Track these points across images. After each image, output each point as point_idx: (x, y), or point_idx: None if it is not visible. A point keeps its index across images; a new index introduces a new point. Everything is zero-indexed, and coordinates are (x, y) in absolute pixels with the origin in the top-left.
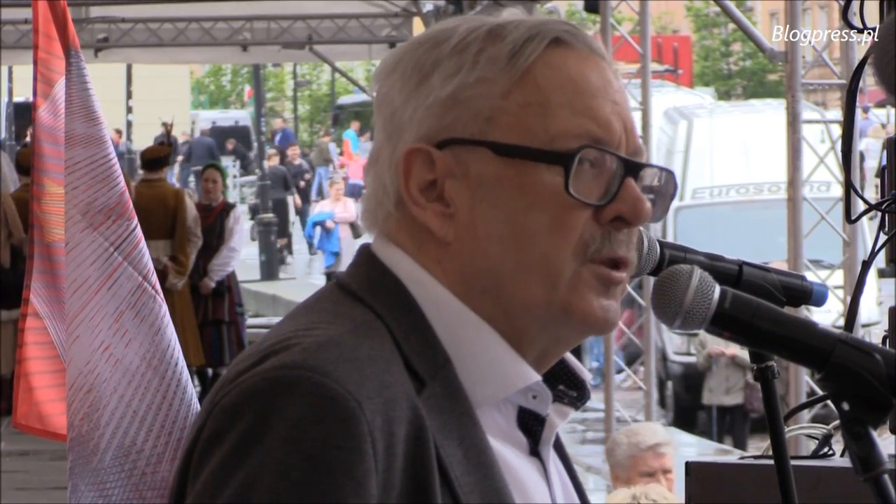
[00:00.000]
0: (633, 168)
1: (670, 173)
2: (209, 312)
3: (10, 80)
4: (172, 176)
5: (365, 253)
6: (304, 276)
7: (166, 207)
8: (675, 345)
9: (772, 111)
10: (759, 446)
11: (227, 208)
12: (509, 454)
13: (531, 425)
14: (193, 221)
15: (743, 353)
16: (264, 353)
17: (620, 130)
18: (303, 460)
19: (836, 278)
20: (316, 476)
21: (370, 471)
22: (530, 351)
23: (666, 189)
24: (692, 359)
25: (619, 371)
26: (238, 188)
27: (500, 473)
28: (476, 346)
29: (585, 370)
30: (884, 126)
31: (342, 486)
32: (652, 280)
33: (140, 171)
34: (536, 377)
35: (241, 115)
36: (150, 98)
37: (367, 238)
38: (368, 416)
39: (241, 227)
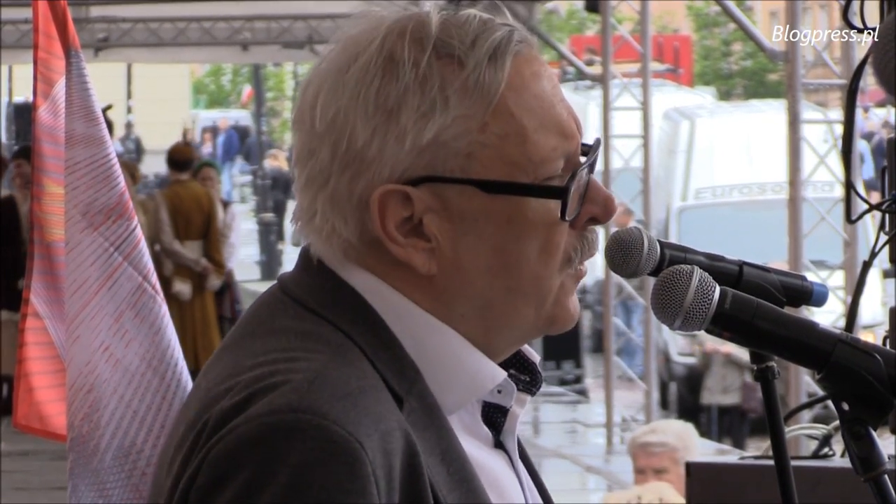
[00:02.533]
0: (592, 165)
1: (597, 140)
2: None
3: (10, 79)
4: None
5: (313, 263)
6: None
7: (201, 208)
8: (679, 346)
9: (774, 111)
10: (759, 446)
11: (224, 206)
12: (478, 452)
13: (494, 417)
14: (222, 222)
15: (739, 352)
16: (250, 392)
17: (575, 129)
18: None
19: (838, 278)
20: None
21: None
22: (497, 354)
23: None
24: (695, 360)
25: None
26: (238, 188)
27: (482, 486)
28: (442, 352)
29: (534, 352)
30: None
31: None
32: (652, 280)
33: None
34: (503, 374)
35: (241, 115)
36: (150, 98)
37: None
38: (370, 455)
39: (238, 224)
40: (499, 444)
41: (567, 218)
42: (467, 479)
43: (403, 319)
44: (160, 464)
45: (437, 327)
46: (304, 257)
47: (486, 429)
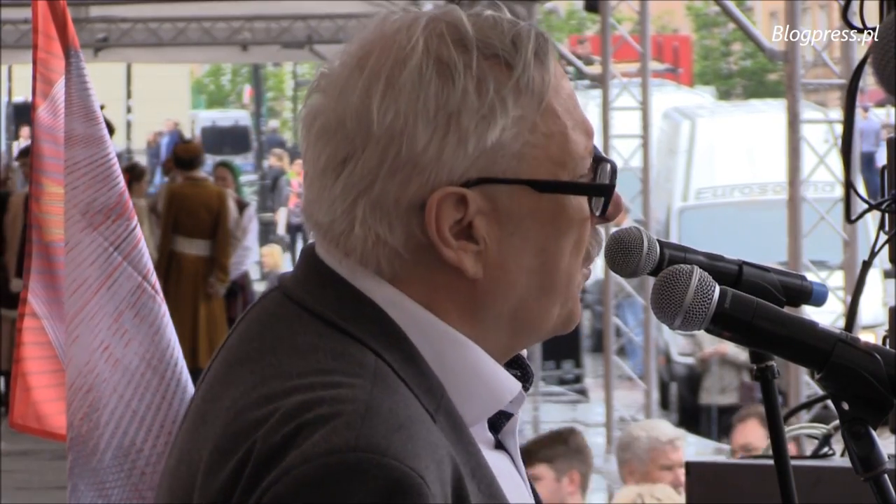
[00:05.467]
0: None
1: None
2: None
3: (10, 79)
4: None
5: (323, 270)
6: None
7: (210, 207)
8: (680, 346)
9: (774, 111)
10: None
11: (240, 207)
12: (489, 457)
13: (496, 419)
14: (234, 223)
15: (734, 352)
16: (298, 423)
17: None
18: None
19: (838, 278)
20: None
21: None
22: (506, 357)
23: None
24: (694, 360)
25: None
26: (240, 187)
27: (506, 497)
28: (463, 366)
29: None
30: None
31: None
32: (652, 280)
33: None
34: (518, 386)
35: (240, 115)
36: (150, 98)
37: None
38: (432, 488)
39: (255, 225)
40: (498, 445)
41: (597, 213)
42: (496, 495)
43: (426, 333)
44: (170, 475)
45: (459, 340)
46: (310, 262)
47: (489, 433)
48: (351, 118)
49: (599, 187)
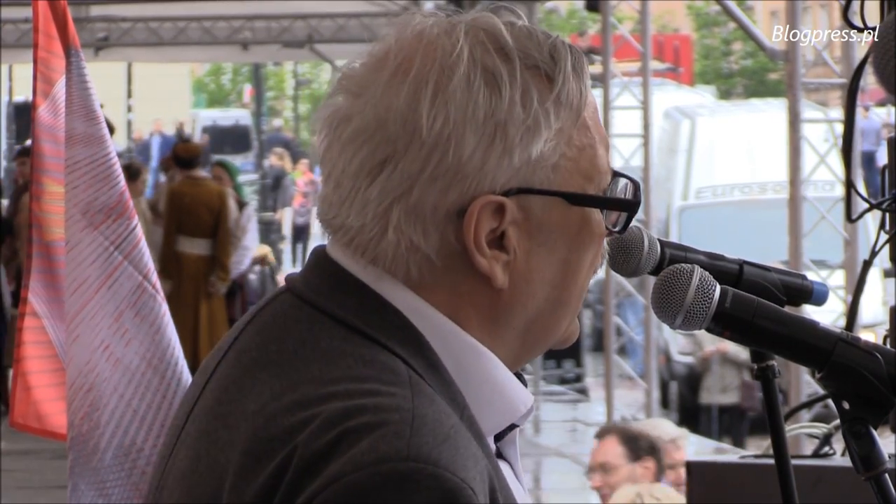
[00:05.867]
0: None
1: None
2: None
3: (10, 79)
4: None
5: (341, 274)
6: None
7: (210, 206)
8: (680, 345)
9: (775, 110)
10: (759, 445)
11: (240, 206)
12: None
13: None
14: (234, 223)
15: (735, 350)
16: (340, 430)
17: None
18: None
19: (839, 278)
20: None
21: None
22: (512, 370)
23: None
24: (694, 360)
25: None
26: (237, 186)
27: None
28: (482, 376)
29: None
30: None
31: None
32: (653, 279)
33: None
34: (532, 398)
35: (241, 115)
36: (150, 97)
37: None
38: (481, 499)
39: (254, 225)
40: (498, 454)
41: (616, 229)
42: None
43: (447, 341)
44: (184, 476)
45: (478, 350)
46: (325, 266)
47: (493, 443)
48: (394, 121)
49: (627, 203)
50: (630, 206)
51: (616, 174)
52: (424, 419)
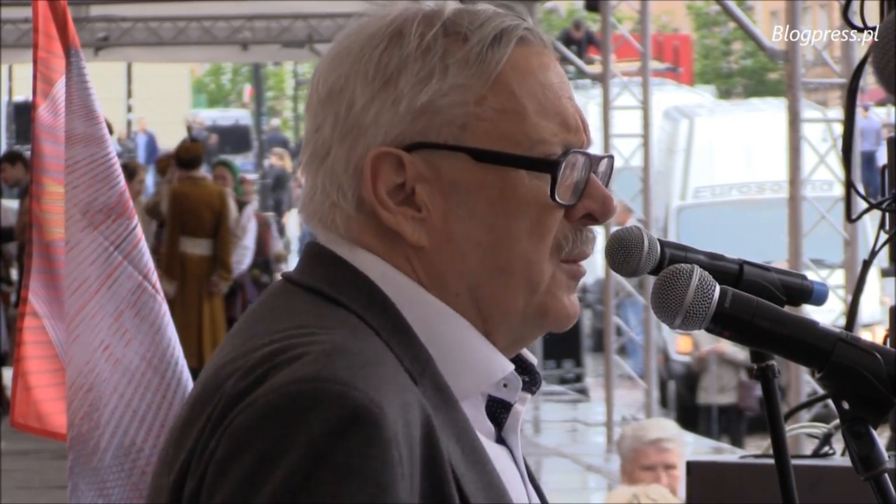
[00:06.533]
0: (596, 163)
1: (611, 157)
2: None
3: (10, 79)
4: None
5: (323, 253)
6: None
7: (211, 206)
8: (678, 344)
9: (773, 110)
10: (757, 445)
11: (240, 205)
12: (488, 448)
13: (497, 413)
14: (234, 222)
15: (732, 350)
16: (267, 366)
17: (581, 126)
18: (331, 472)
19: (838, 278)
20: (345, 487)
21: (398, 476)
22: (497, 347)
23: (609, 174)
24: (691, 360)
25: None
26: (238, 186)
27: (494, 468)
28: (453, 340)
29: (531, 354)
30: None
31: (373, 496)
32: (652, 279)
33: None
34: (511, 366)
35: (241, 115)
36: (149, 97)
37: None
38: (391, 421)
39: (254, 224)
40: (500, 440)
41: (557, 199)
42: (482, 461)
43: (414, 305)
44: (159, 461)
45: (447, 314)
46: (309, 251)
47: (489, 423)
48: (312, 90)
49: (540, 162)
50: (539, 165)
51: (577, 152)
52: (347, 349)
